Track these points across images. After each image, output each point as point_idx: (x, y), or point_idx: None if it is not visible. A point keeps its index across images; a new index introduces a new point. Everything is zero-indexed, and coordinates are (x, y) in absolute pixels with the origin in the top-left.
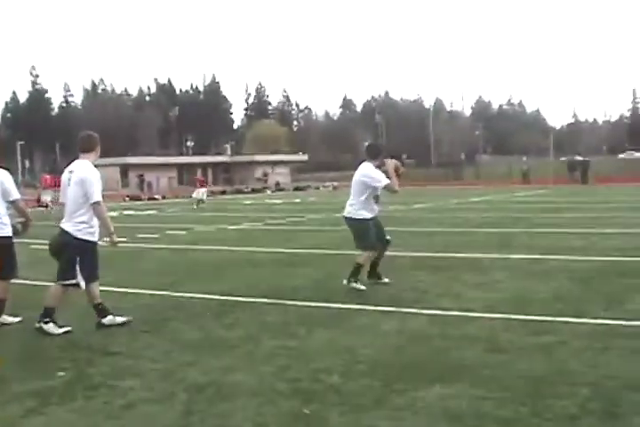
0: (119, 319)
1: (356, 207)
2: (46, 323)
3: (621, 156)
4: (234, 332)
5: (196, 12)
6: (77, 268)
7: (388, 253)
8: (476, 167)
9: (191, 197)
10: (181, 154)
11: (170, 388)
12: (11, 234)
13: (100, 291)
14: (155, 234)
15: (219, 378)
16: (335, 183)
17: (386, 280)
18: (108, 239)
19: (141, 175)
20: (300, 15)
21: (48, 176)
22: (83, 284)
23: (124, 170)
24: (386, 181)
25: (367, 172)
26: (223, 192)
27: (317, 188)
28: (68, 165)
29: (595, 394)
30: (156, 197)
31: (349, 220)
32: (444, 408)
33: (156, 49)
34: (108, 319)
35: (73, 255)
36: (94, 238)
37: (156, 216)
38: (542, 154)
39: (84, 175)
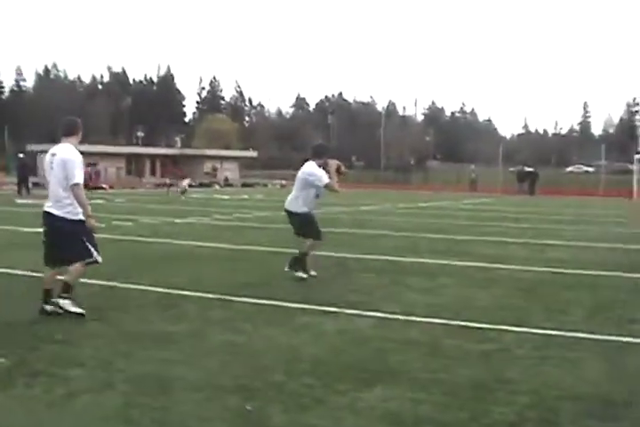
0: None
1: (299, 202)
2: (64, 299)
3: (569, 169)
4: (178, 325)
5: (154, 2)
6: (89, 244)
7: (333, 254)
8: (425, 173)
9: (169, 187)
10: (131, 144)
11: (110, 378)
12: None
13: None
14: (100, 224)
15: (160, 371)
16: (283, 181)
17: (313, 273)
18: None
19: (90, 164)
20: (259, 11)
21: None
22: (100, 259)
23: None
24: (326, 180)
25: (310, 170)
26: (171, 185)
27: (265, 185)
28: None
29: (533, 402)
30: (103, 186)
31: (293, 214)
32: (384, 410)
33: (112, 37)
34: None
35: (77, 236)
36: (83, 218)
37: (103, 206)
38: (491, 163)
39: (67, 157)
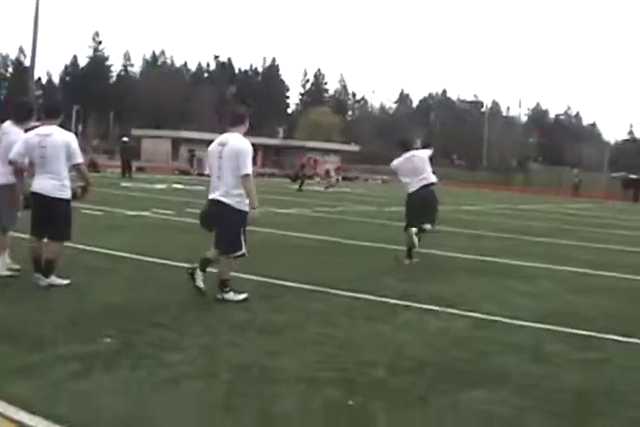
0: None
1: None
2: (227, 292)
3: None
4: (279, 316)
5: None
6: (242, 237)
7: (434, 251)
8: (527, 174)
9: (301, 179)
10: None
11: (214, 366)
12: (70, 197)
13: (149, 262)
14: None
15: (263, 361)
16: (385, 177)
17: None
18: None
19: (192, 150)
20: (366, 5)
21: None
22: (247, 252)
23: (176, 143)
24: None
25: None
26: (272, 175)
27: (367, 179)
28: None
29: None
30: (206, 173)
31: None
32: (487, 413)
33: (219, 26)
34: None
35: (238, 227)
36: (248, 208)
37: (205, 192)
38: (594, 168)
39: (239, 147)
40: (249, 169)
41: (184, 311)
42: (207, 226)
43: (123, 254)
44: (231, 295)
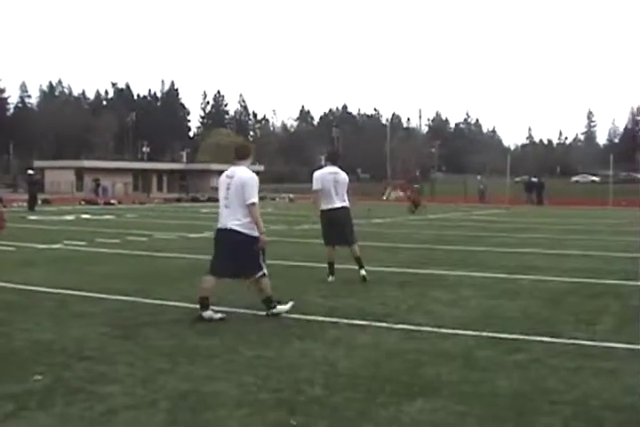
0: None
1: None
2: (274, 307)
3: (575, 178)
4: (209, 340)
5: (156, 17)
6: (262, 259)
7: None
8: (431, 184)
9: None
10: (137, 160)
11: (150, 395)
12: None
13: (66, 295)
14: (115, 239)
15: (200, 387)
16: (291, 195)
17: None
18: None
19: (97, 179)
20: (262, 24)
21: None
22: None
23: (79, 173)
24: None
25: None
26: (179, 200)
27: (274, 199)
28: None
29: (577, 413)
30: (112, 201)
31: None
32: (430, 423)
33: (115, 52)
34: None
35: (255, 251)
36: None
37: (115, 221)
38: (496, 173)
39: (245, 179)
40: (255, 198)
41: (109, 342)
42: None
43: (39, 289)
44: (281, 308)
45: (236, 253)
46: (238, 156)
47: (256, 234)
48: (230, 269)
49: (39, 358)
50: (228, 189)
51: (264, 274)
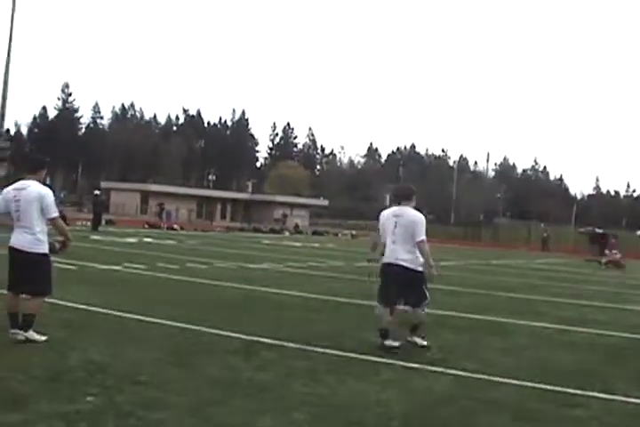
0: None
1: (417, 255)
2: (420, 336)
3: (639, 232)
4: (263, 374)
5: (233, 46)
6: (426, 290)
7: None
8: (495, 229)
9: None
10: (202, 187)
11: (200, 425)
12: (47, 251)
13: (124, 318)
14: (175, 264)
15: (250, 420)
16: (354, 231)
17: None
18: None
19: (162, 204)
20: (338, 60)
21: None
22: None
23: (145, 196)
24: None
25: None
26: (241, 229)
27: (336, 234)
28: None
29: None
30: (175, 227)
31: (410, 270)
32: None
33: (189, 78)
34: None
35: (423, 283)
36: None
37: (176, 246)
38: (560, 222)
39: (415, 219)
40: (424, 236)
41: (163, 368)
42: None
43: (97, 309)
44: (420, 339)
45: (407, 286)
46: (404, 197)
47: (421, 268)
48: (398, 299)
49: (92, 380)
50: (395, 226)
51: (428, 302)
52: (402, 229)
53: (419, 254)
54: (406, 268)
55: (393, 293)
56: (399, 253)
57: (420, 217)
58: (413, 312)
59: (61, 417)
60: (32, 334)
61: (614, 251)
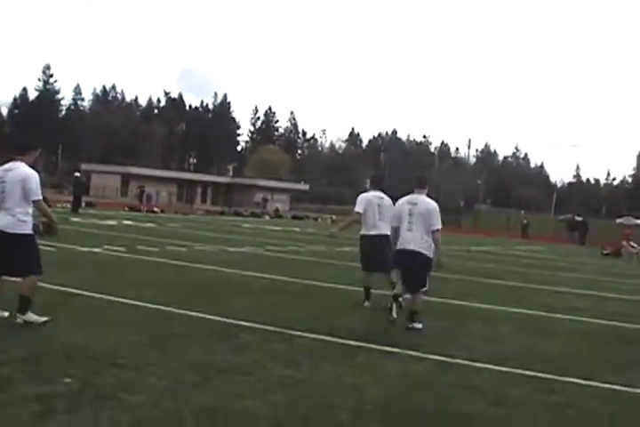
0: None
1: (430, 243)
2: (415, 321)
3: (619, 220)
4: (241, 357)
5: (214, 30)
6: (427, 279)
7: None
8: (475, 216)
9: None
10: (183, 170)
11: (178, 408)
12: (30, 232)
13: (103, 300)
14: (155, 247)
15: (228, 403)
16: (334, 216)
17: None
18: None
19: (142, 186)
20: (320, 44)
21: None
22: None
23: (125, 179)
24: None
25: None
26: (222, 213)
27: (316, 219)
28: None
29: None
30: (155, 209)
31: (422, 255)
32: None
33: (171, 61)
34: None
35: (428, 271)
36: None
37: (156, 229)
38: (541, 210)
39: (430, 208)
40: (439, 225)
41: (142, 351)
42: (396, 266)
43: (76, 291)
44: (418, 324)
45: (412, 269)
46: (419, 185)
47: (431, 255)
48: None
49: (71, 362)
50: (410, 214)
51: (426, 290)
52: (417, 218)
53: (431, 242)
54: (421, 253)
55: (407, 279)
56: (415, 240)
57: (434, 206)
58: (412, 298)
59: (39, 399)
60: (30, 316)
61: (632, 243)
